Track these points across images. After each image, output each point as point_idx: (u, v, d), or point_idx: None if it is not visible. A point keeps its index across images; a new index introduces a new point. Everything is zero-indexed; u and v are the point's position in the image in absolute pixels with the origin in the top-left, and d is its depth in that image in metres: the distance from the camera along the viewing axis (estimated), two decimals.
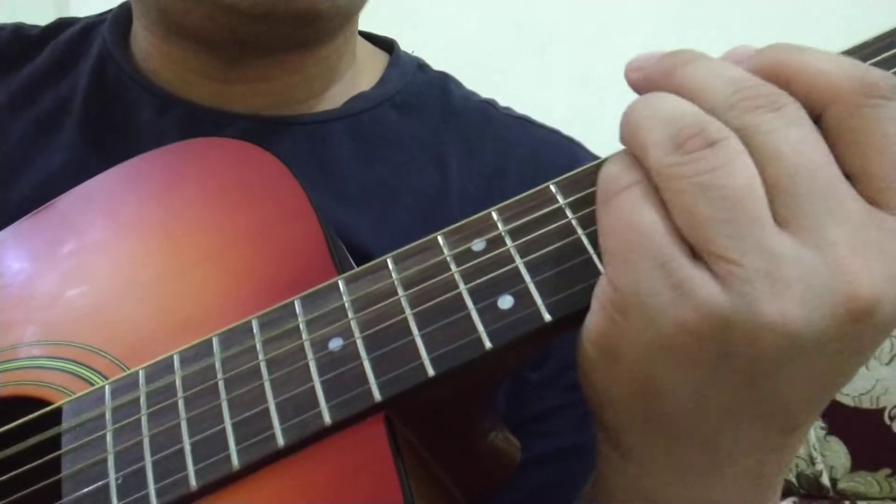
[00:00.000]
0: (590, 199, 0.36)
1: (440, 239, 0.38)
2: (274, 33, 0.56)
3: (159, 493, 0.36)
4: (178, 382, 0.39)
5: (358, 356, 0.36)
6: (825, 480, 1.25)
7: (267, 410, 0.37)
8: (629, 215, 0.32)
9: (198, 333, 0.40)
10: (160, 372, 0.40)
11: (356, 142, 0.60)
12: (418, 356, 0.35)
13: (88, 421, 0.40)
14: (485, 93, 0.70)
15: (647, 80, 0.34)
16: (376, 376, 0.36)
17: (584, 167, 0.37)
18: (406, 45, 0.71)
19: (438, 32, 1.74)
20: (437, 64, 0.70)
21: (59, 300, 0.46)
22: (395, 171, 0.60)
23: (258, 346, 0.38)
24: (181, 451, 0.37)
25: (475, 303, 0.36)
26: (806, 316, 0.30)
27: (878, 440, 1.22)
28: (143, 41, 0.62)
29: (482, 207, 0.38)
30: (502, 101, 0.70)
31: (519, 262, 0.36)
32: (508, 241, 0.36)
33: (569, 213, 0.36)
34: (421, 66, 0.68)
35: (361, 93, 0.63)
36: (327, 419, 0.36)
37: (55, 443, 0.40)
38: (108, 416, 0.39)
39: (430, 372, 0.35)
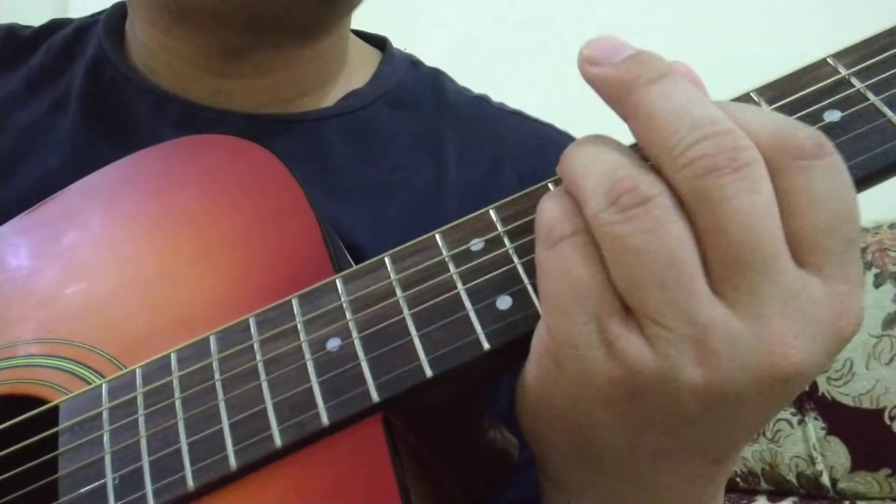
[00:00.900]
0: None
1: (438, 238, 0.38)
2: (289, 12, 0.56)
3: (156, 494, 0.36)
4: (176, 382, 0.39)
5: (356, 357, 0.36)
6: (825, 480, 1.25)
7: (264, 411, 0.37)
8: (570, 266, 0.31)
9: (195, 331, 0.40)
10: (157, 371, 0.40)
11: (351, 139, 0.60)
12: (416, 357, 0.35)
13: (85, 420, 0.40)
14: (485, 91, 0.70)
15: (603, 85, 0.33)
16: (374, 377, 0.36)
17: None
18: (406, 43, 0.71)
19: (438, 32, 1.74)
20: (437, 63, 0.70)
21: (56, 298, 0.46)
22: (390, 168, 0.60)
23: (255, 346, 0.38)
24: (178, 452, 0.37)
25: (473, 303, 0.35)
26: (728, 378, 0.30)
27: (878, 440, 1.22)
28: (142, 36, 0.62)
29: (480, 201, 0.38)
30: (502, 100, 0.70)
31: (517, 263, 0.36)
32: (507, 242, 0.36)
33: None
34: (413, 63, 0.68)
35: (355, 90, 0.63)
36: (325, 420, 0.36)
37: (52, 442, 0.40)
38: (105, 415, 0.39)
39: (429, 373, 0.35)
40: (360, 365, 0.36)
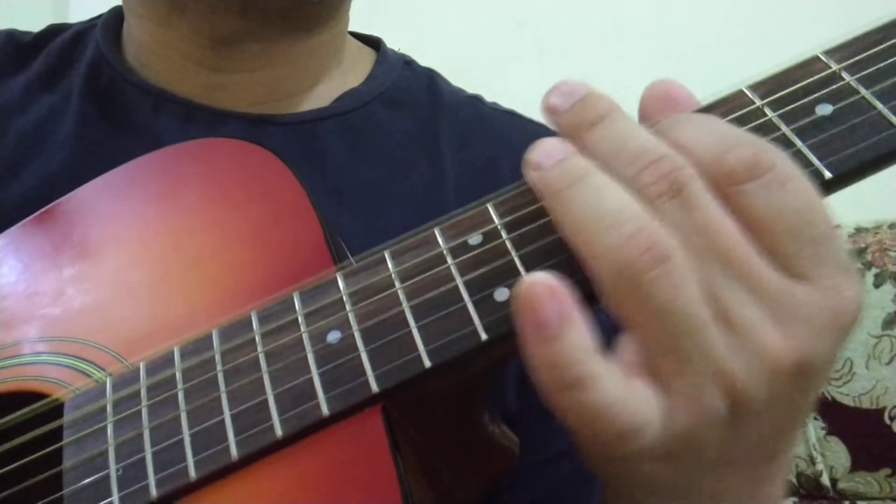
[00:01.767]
0: None
1: (437, 232, 0.38)
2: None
3: (159, 484, 0.37)
4: (178, 375, 0.39)
5: (356, 348, 0.37)
6: (825, 480, 1.24)
7: (266, 402, 0.37)
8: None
9: (197, 328, 0.41)
10: (160, 365, 0.40)
11: (348, 140, 0.61)
12: (415, 348, 0.36)
13: (89, 414, 0.40)
14: (485, 93, 0.70)
15: (560, 126, 0.35)
16: (373, 368, 0.36)
17: None
18: (405, 44, 0.71)
19: (438, 32, 1.75)
20: (436, 64, 0.71)
21: (61, 298, 0.46)
22: (387, 168, 0.61)
23: (257, 339, 0.39)
24: (181, 443, 0.37)
25: (471, 295, 0.36)
26: (749, 391, 0.32)
27: (878, 440, 1.22)
28: (138, 33, 0.62)
29: (477, 200, 0.38)
30: (502, 101, 0.70)
31: (514, 256, 0.36)
32: (504, 235, 0.37)
33: None
34: (408, 63, 0.69)
35: (351, 90, 0.64)
36: (325, 410, 0.36)
37: (56, 436, 0.40)
38: (108, 408, 0.40)
39: (427, 363, 0.35)
40: (359, 356, 0.37)
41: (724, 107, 0.36)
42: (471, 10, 1.84)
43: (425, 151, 0.62)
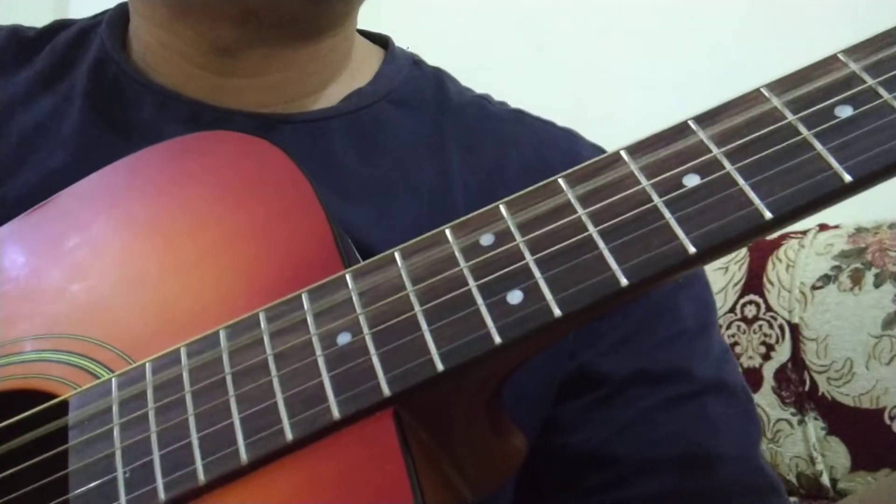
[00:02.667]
0: (599, 193, 0.36)
1: (448, 233, 0.38)
2: (278, 6, 0.56)
3: (167, 487, 0.36)
4: (186, 376, 0.39)
5: (367, 351, 0.36)
6: (825, 480, 1.25)
7: (275, 405, 0.37)
8: None
9: (204, 327, 0.40)
10: (167, 365, 0.40)
11: (356, 139, 0.61)
12: (427, 351, 0.35)
13: (95, 415, 0.40)
14: (486, 91, 0.70)
15: None
16: (385, 371, 0.36)
17: (592, 161, 0.37)
18: (406, 43, 0.71)
19: (438, 32, 1.74)
20: (437, 63, 0.70)
21: (63, 294, 0.46)
22: (395, 168, 0.60)
23: (266, 340, 0.38)
24: (189, 446, 0.37)
25: (484, 298, 0.36)
26: None
27: (878, 440, 1.22)
28: (144, 34, 0.62)
29: (485, 201, 0.38)
30: (503, 100, 0.70)
31: (528, 257, 0.36)
32: (517, 236, 0.36)
33: (578, 207, 0.36)
34: (416, 62, 0.68)
35: (358, 89, 0.63)
36: (336, 414, 0.36)
37: (61, 436, 0.40)
38: (114, 409, 0.39)
39: (440, 367, 0.35)
40: (370, 359, 0.36)
41: (741, 106, 0.36)
42: (470, 9, 1.83)
43: (432, 151, 0.62)
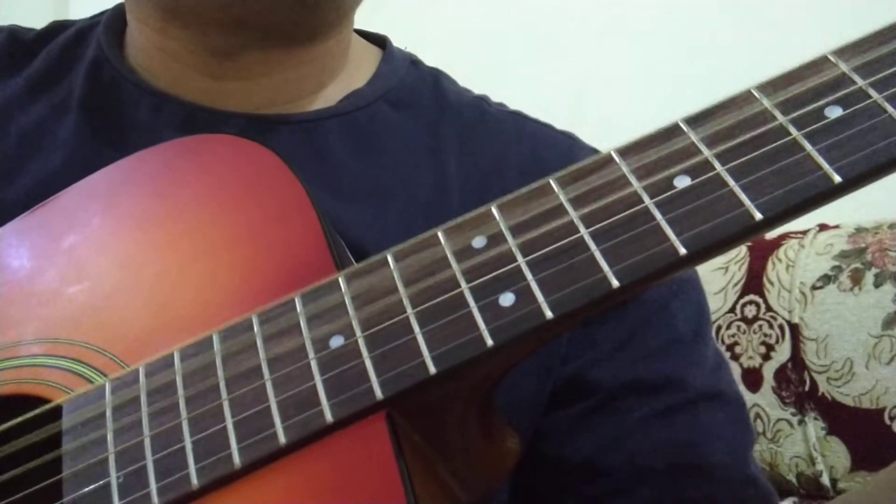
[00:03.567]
0: (591, 195, 0.36)
1: (441, 235, 0.38)
2: (270, 13, 0.56)
3: (161, 492, 0.36)
4: (179, 380, 0.39)
5: (359, 354, 0.36)
6: (825, 480, 1.24)
7: (268, 409, 0.37)
8: None
9: (198, 330, 0.40)
10: (160, 370, 0.40)
11: (352, 139, 0.60)
12: (420, 354, 0.35)
13: (89, 420, 0.40)
14: (485, 91, 0.70)
15: None
16: (378, 374, 0.36)
17: (584, 162, 0.37)
18: (406, 43, 0.71)
19: (438, 32, 1.74)
20: (436, 63, 0.70)
21: (59, 298, 0.46)
22: (392, 168, 0.60)
23: (259, 344, 0.38)
24: (182, 450, 0.37)
25: (476, 300, 0.36)
26: None
27: (878, 440, 1.22)
28: (139, 37, 0.62)
29: (481, 201, 0.38)
30: (502, 101, 0.70)
31: (520, 259, 0.36)
32: (509, 238, 0.36)
33: (570, 209, 0.36)
34: (414, 62, 0.68)
35: (356, 90, 0.63)
36: (329, 417, 0.36)
37: (54, 441, 0.40)
38: (108, 414, 0.39)
39: (432, 370, 0.35)
40: (363, 363, 0.36)
41: (731, 107, 0.36)
42: (471, 9, 1.83)
43: (429, 152, 0.61)
